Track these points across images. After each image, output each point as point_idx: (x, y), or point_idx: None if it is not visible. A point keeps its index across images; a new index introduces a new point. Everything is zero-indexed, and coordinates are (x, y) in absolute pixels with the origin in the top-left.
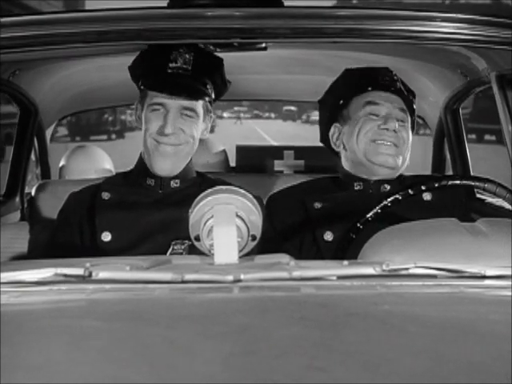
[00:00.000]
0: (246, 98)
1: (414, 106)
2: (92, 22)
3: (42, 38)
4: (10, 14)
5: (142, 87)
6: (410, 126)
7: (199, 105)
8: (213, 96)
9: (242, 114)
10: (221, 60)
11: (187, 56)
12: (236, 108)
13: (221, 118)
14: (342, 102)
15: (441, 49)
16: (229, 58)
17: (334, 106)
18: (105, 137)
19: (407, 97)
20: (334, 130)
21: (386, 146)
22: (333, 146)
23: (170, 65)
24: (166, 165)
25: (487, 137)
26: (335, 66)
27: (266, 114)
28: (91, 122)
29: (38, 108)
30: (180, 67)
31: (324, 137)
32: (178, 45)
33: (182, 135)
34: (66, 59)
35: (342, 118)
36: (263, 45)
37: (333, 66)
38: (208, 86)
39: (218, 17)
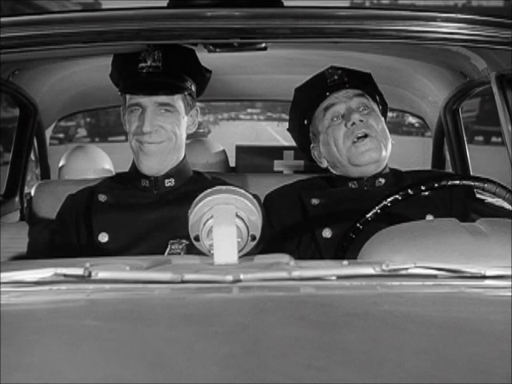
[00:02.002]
0: (246, 98)
1: (376, 90)
2: (92, 22)
3: (42, 38)
4: (11, 14)
5: (119, 92)
6: (376, 109)
7: (177, 100)
8: (193, 88)
9: (255, 116)
10: (192, 51)
11: (156, 53)
12: (249, 110)
13: (234, 119)
14: (306, 121)
15: (441, 49)
16: (229, 58)
17: (301, 129)
18: (123, 137)
19: (363, 82)
20: (313, 152)
21: (362, 142)
22: (319, 164)
23: (140, 65)
24: (153, 163)
25: (494, 139)
26: None
27: (279, 116)
28: (110, 124)
29: (37, 108)
30: (150, 66)
31: (310, 160)
32: (147, 44)
33: (163, 132)
34: (66, 59)
35: (314, 135)
36: (263, 45)
37: None
38: (184, 80)
39: (218, 17)
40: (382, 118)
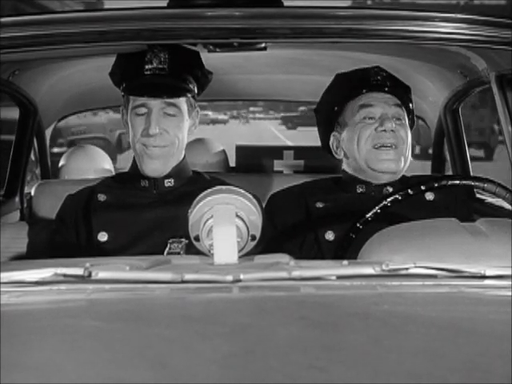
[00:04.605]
0: (246, 98)
1: (411, 105)
2: (92, 22)
3: (42, 38)
4: (12, 13)
5: (122, 93)
6: (407, 122)
7: (182, 102)
8: (195, 90)
9: (256, 115)
10: (197, 53)
11: (162, 55)
12: (251, 108)
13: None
14: (336, 108)
15: (440, 49)
16: (229, 58)
17: (329, 114)
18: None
19: (402, 92)
20: (332, 139)
21: (386, 151)
22: (334, 153)
23: (146, 66)
24: (156, 166)
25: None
26: (335, 66)
27: (282, 115)
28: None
29: (37, 108)
30: (156, 67)
31: (325, 145)
32: (153, 45)
33: (167, 136)
34: (66, 59)
35: (339, 125)
36: (263, 45)
37: (333, 66)
38: (188, 82)
39: (218, 17)
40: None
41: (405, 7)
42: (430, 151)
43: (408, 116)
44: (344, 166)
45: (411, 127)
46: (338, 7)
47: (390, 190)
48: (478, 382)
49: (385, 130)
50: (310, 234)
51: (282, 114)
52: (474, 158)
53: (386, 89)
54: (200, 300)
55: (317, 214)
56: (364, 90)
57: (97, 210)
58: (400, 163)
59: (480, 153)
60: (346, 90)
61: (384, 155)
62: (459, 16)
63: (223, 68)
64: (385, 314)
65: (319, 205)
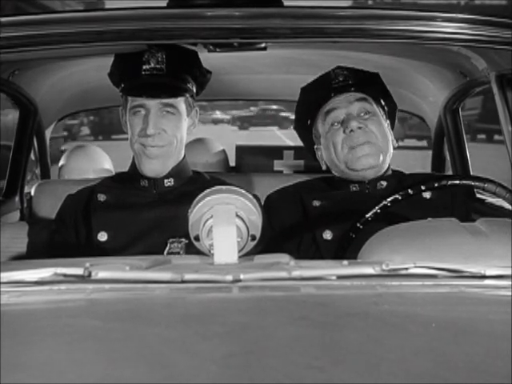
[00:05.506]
0: (246, 98)
1: (382, 93)
2: (92, 21)
3: (42, 38)
4: (12, 13)
5: (121, 93)
6: (380, 111)
7: (180, 101)
8: (194, 90)
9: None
10: (195, 53)
11: (159, 55)
12: (252, 108)
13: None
14: (309, 122)
15: (441, 49)
16: (229, 58)
17: (305, 129)
18: (126, 136)
19: (368, 83)
20: (317, 152)
21: (360, 148)
22: (321, 165)
23: (144, 67)
24: (155, 166)
25: (496, 137)
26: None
27: (283, 114)
28: (113, 121)
29: (37, 108)
30: (154, 68)
31: (315, 159)
32: (150, 45)
33: (165, 136)
34: (66, 59)
35: (316, 137)
36: (263, 45)
37: (333, 66)
38: (186, 81)
39: (218, 17)
40: (387, 122)
41: (406, 7)
42: (401, 143)
43: (379, 105)
44: (332, 172)
45: (392, 115)
46: (338, 7)
47: (384, 183)
48: (477, 382)
49: (352, 131)
50: (307, 234)
51: (235, 115)
52: (417, 148)
53: (352, 88)
54: (200, 300)
55: (314, 213)
56: (332, 94)
57: (97, 209)
58: (379, 156)
59: (423, 143)
60: (312, 100)
61: (359, 152)
62: (460, 16)
63: (223, 68)
64: (385, 313)
65: (316, 203)
